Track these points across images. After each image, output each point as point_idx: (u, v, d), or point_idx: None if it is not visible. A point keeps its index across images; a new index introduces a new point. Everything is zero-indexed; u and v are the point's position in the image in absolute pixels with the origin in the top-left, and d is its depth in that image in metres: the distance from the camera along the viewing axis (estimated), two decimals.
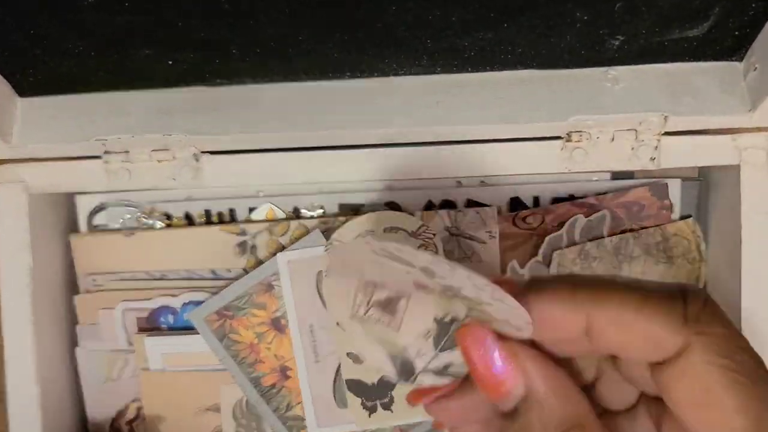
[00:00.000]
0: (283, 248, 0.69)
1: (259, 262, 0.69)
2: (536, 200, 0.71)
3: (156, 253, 0.70)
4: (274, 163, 0.65)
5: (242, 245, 0.70)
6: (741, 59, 0.61)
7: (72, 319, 0.72)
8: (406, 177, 0.65)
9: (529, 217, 0.70)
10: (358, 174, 0.65)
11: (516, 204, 0.71)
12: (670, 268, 0.70)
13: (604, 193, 0.70)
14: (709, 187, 0.70)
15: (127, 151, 0.64)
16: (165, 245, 0.70)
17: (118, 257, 0.71)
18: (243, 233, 0.70)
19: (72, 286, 0.72)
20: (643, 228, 0.70)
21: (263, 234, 0.70)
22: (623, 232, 0.70)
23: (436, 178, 0.69)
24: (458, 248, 0.69)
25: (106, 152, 0.64)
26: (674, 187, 0.70)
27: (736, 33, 0.58)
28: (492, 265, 0.70)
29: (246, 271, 0.69)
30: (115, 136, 0.62)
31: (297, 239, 0.69)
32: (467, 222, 0.69)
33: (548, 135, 0.63)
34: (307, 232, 0.69)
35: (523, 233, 0.70)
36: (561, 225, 0.70)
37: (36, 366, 0.65)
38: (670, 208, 0.70)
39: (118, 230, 0.71)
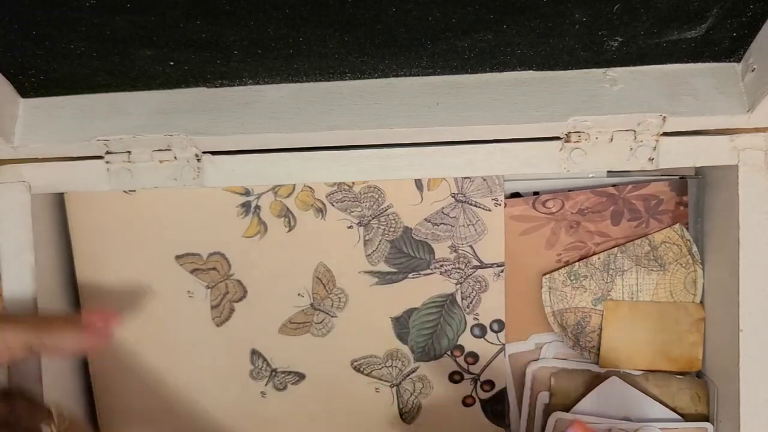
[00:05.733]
0: (287, 210, 0.70)
1: (263, 225, 0.70)
2: (536, 195, 0.72)
3: (157, 214, 0.71)
4: (275, 163, 0.65)
5: (245, 206, 0.70)
6: (739, 60, 0.61)
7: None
8: (406, 177, 0.66)
9: (549, 201, 0.70)
10: (358, 174, 0.65)
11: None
12: (665, 275, 0.70)
13: (624, 185, 0.71)
14: (706, 188, 0.70)
15: (128, 152, 0.64)
16: (166, 204, 0.71)
17: (118, 217, 0.71)
18: (247, 193, 0.70)
19: (75, 285, 0.72)
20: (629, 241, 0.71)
21: (268, 195, 0.70)
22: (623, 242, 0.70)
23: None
24: (463, 215, 0.70)
25: (107, 152, 0.64)
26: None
27: (734, 34, 0.58)
28: (497, 234, 0.71)
29: None
30: (117, 136, 0.63)
31: (303, 202, 0.70)
32: (474, 188, 0.69)
33: (547, 136, 0.64)
34: (313, 195, 0.70)
35: (542, 217, 0.71)
36: (580, 212, 0.70)
37: (38, 365, 0.65)
38: (687, 205, 0.71)
39: None
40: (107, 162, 0.65)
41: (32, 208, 0.65)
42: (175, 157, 0.64)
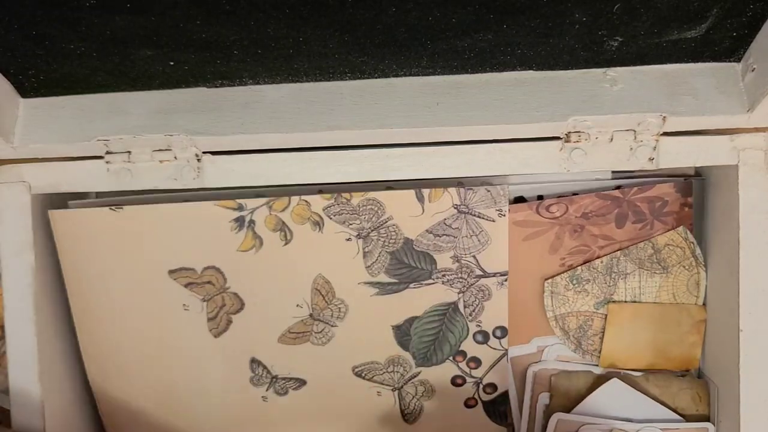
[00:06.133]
0: (283, 223, 0.69)
1: (258, 239, 0.70)
2: (540, 199, 0.72)
3: (146, 230, 0.70)
4: (275, 163, 0.65)
5: (239, 220, 0.70)
6: (739, 60, 0.61)
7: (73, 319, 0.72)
8: (406, 177, 0.66)
9: (553, 206, 0.70)
10: (358, 174, 0.65)
11: (520, 202, 0.72)
12: (668, 277, 0.70)
13: (629, 187, 0.71)
14: (706, 188, 0.70)
15: (128, 152, 0.64)
16: (155, 221, 0.70)
17: (105, 234, 0.70)
18: (240, 208, 0.69)
19: None
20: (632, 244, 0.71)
21: (262, 209, 0.69)
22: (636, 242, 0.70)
23: (436, 179, 0.70)
24: (466, 226, 0.69)
25: (107, 152, 0.64)
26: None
27: (734, 34, 0.58)
28: (500, 244, 0.70)
29: None
30: (117, 136, 0.63)
31: (299, 215, 0.69)
32: (477, 199, 0.69)
33: (547, 135, 0.64)
34: (309, 208, 0.69)
35: (546, 222, 0.71)
36: (584, 215, 0.70)
37: (38, 365, 0.65)
38: (692, 206, 0.71)
39: (104, 204, 0.70)
40: (107, 162, 0.65)
41: (32, 208, 0.65)
42: (175, 157, 0.64)
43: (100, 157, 0.65)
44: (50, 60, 0.59)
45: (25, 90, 0.63)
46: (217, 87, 0.63)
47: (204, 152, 0.65)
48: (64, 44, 0.57)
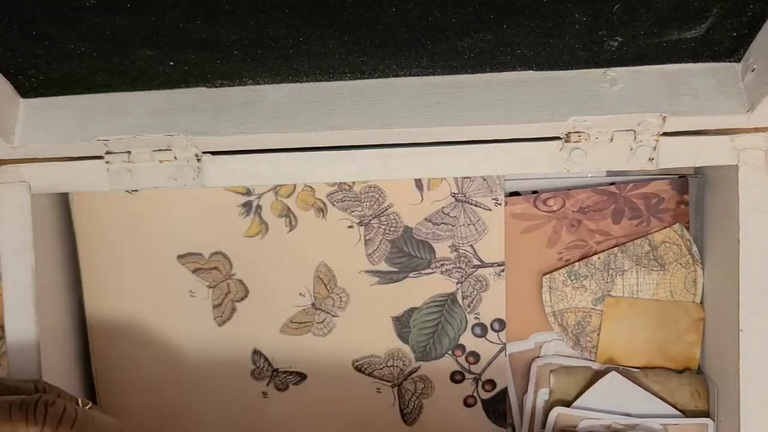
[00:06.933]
0: (288, 209, 0.70)
1: (264, 225, 0.71)
2: (535, 194, 0.72)
3: (159, 213, 0.71)
4: (275, 163, 0.65)
5: (247, 205, 0.70)
6: (739, 60, 0.61)
7: (74, 319, 0.72)
8: (406, 177, 0.66)
9: (551, 199, 0.70)
10: (358, 174, 0.65)
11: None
12: (665, 275, 0.70)
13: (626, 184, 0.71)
14: (706, 187, 0.70)
15: (128, 152, 0.64)
16: (167, 204, 0.71)
17: (121, 215, 0.71)
18: (248, 193, 0.71)
19: (75, 284, 0.72)
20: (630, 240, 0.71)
21: (269, 195, 0.71)
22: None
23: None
24: (463, 214, 0.70)
25: (107, 152, 0.64)
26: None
27: (734, 34, 0.58)
28: (497, 234, 0.71)
29: None
30: (117, 136, 0.63)
31: (304, 201, 0.70)
32: (474, 188, 0.69)
33: (547, 135, 0.64)
34: (313, 194, 0.70)
35: (543, 215, 0.71)
36: (581, 210, 0.70)
37: (39, 365, 0.65)
38: (688, 203, 0.71)
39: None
40: (107, 162, 0.65)
41: (32, 208, 0.65)
42: (175, 157, 0.64)
43: (100, 157, 0.65)
44: (50, 60, 0.59)
45: (25, 90, 0.63)
46: (217, 87, 0.63)
47: (204, 152, 0.65)
48: (64, 44, 0.57)
